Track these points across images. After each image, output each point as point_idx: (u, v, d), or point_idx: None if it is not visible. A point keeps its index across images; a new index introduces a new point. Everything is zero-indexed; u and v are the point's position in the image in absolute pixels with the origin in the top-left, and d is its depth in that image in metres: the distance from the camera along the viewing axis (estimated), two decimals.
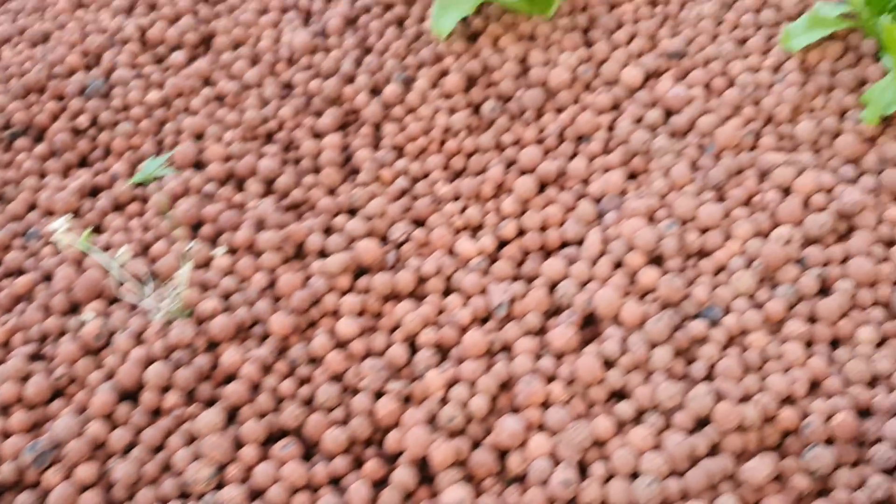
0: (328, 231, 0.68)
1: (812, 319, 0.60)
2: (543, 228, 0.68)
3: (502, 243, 0.68)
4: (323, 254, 0.66)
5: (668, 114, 0.74)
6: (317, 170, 0.73)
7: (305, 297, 0.62)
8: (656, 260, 0.64)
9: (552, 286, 0.63)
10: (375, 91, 0.78)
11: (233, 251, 0.66)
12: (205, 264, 0.65)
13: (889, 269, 0.61)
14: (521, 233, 0.68)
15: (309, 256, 0.66)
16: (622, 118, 0.73)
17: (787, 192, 0.66)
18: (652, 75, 0.78)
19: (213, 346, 0.61)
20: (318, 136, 0.75)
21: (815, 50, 0.76)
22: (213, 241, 0.67)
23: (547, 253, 0.67)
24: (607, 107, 0.75)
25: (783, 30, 0.76)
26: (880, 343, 0.59)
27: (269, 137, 0.76)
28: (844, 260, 0.62)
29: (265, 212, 0.67)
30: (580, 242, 0.66)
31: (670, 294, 0.60)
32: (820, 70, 0.75)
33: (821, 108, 0.73)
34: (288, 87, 0.80)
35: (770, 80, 0.75)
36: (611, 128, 0.74)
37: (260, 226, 0.67)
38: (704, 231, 0.64)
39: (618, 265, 0.64)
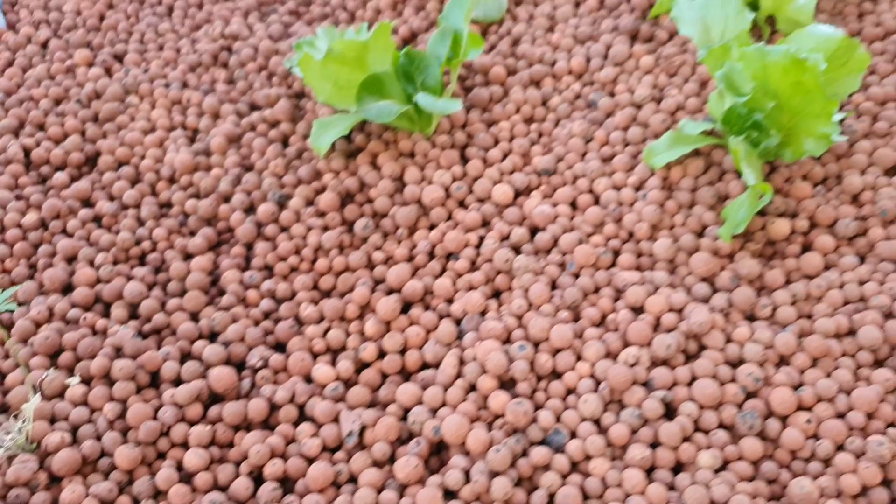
0: (187, 357, 0.68)
1: (654, 444, 0.60)
2: (404, 350, 0.68)
3: (362, 366, 0.68)
4: (178, 381, 0.66)
5: (534, 231, 0.76)
6: (183, 292, 0.73)
7: (154, 427, 0.62)
8: (508, 383, 0.64)
9: (405, 412, 0.64)
10: (251, 210, 0.79)
11: (87, 381, 0.65)
12: (59, 394, 0.65)
13: (735, 389, 0.62)
14: (381, 355, 0.68)
15: (164, 384, 0.66)
16: (489, 236, 0.75)
17: (639, 311, 0.68)
18: (522, 192, 0.80)
19: (56, 480, 0.60)
20: (189, 256, 0.76)
21: (678, 167, 0.78)
22: (72, 369, 0.67)
23: (406, 375, 0.67)
24: (477, 223, 0.77)
25: (646, 147, 0.79)
26: (720, 468, 0.59)
27: (141, 259, 0.77)
28: (691, 381, 0.63)
29: (123, 339, 0.67)
30: (438, 364, 0.66)
31: (517, 419, 0.60)
32: (682, 186, 0.77)
33: (680, 224, 0.75)
34: (166, 206, 0.81)
35: (633, 198, 0.77)
36: (478, 245, 0.75)
37: (117, 353, 0.67)
38: (556, 352, 0.65)
39: (471, 389, 0.64)
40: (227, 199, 0.80)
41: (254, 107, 0.91)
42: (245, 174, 0.82)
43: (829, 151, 0.80)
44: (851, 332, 0.66)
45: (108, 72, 0.95)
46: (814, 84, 0.70)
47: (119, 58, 0.98)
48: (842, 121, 0.83)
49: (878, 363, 0.65)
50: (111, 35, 1.01)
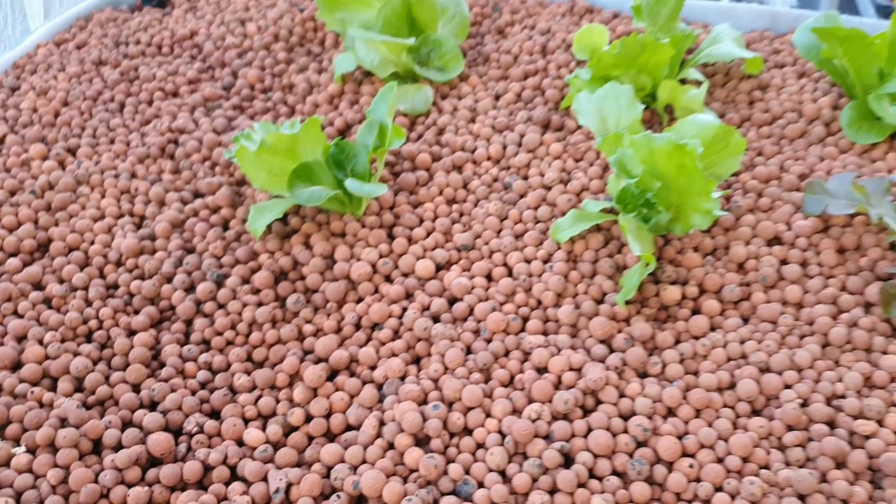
0: (128, 425, 0.73)
1: (553, 490, 0.66)
2: (329, 414, 0.74)
3: (290, 430, 0.74)
4: (119, 447, 0.71)
5: (452, 301, 0.83)
6: (126, 366, 0.78)
7: (94, 490, 0.66)
8: (423, 440, 0.70)
9: (328, 470, 0.69)
10: (191, 289, 0.86)
11: (32, 450, 0.70)
12: (5, 463, 0.69)
13: (626, 439, 0.69)
14: (308, 419, 0.74)
15: (105, 451, 0.71)
16: (411, 307, 0.82)
17: (543, 371, 0.75)
18: (443, 266, 0.88)
19: None
20: (133, 332, 0.82)
21: (581, 241, 0.87)
22: (18, 439, 0.72)
23: (331, 437, 0.73)
24: (401, 296, 0.84)
25: (553, 224, 0.87)
26: None
27: (87, 336, 0.82)
28: (587, 433, 0.70)
29: (68, 410, 0.72)
30: (360, 426, 0.72)
31: (429, 473, 0.66)
32: (584, 258, 0.85)
33: (583, 292, 0.83)
34: (113, 287, 0.87)
35: (541, 269, 0.85)
36: (401, 316, 0.82)
37: (62, 424, 0.72)
38: (467, 411, 0.72)
39: (389, 447, 0.70)
40: (169, 279, 0.87)
41: (197, 194, 0.98)
42: (187, 256, 0.89)
43: (717, 225, 0.89)
44: (732, 386, 0.73)
45: (62, 164, 1.02)
46: (693, 166, 0.80)
47: (72, 151, 1.06)
48: (729, 198, 0.93)
49: (755, 412, 0.72)
50: (65, 130, 1.09)
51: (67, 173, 0.99)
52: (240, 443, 0.72)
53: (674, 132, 0.87)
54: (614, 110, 0.92)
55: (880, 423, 0.69)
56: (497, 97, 1.11)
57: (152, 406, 0.75)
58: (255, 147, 0.85)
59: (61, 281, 0.87)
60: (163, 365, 0.79)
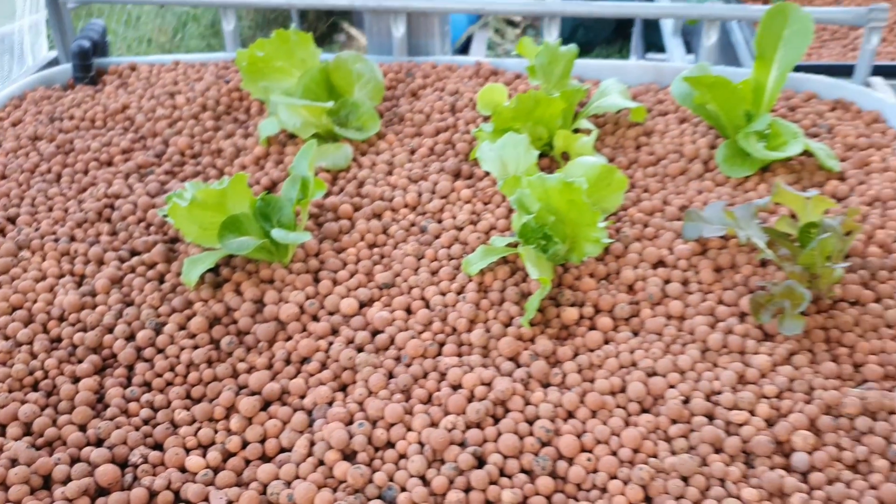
0: (76, 461, 0.79)
1: (468, 489, 0.74)
2: (264, 440, 0.81)
3: (229, 455, 0.80)
4: (69, 481, 0.76)
5: (375, 333, 0.91)
6: (72, 409, 0.84)
7: None
8: (350, 455, 0.78)
9: (265, 487, 0.76)
10: (131, 337, 0.92)
11: None
12: None
13: (532, 440, 0.77)
14: (245, 445, 0.81)
15: (55, 485, 0.76)
16: (337, 341, 0.90)
17: (457, 388, 0.83)
18: (366, 304, 0.96)
19: None
20: (77, 379, 0.88)
21: (490, 273, 0.96)
22: None
23: (266, 459, 0.80)
24: (327, 332, 0.92)
25: (465, 259, 0.97)
26: (521, 503, 0.73)
27: (34, 386, 0.88)
28: (497, 437, 0.78)
29: (18, 451, 0.77)
30: (292, 448, 0.79)
31: (356, 482, 0.74)
32: (493, 288, 0.95)
33: (493, 318, 0.92)
34: (57, 340, 0.93)
35: (455, 300, 0.94)
36: (328, 349, 0.90)
37: (12, 464, 0.77)
38: (390, 427, 0.79)
39: (320, 464, 0.77)
40: (110, 330, 0.93)
41: (134, 252, 1.05)
42: (126, 308, 0.95)
43: (609, 253, 1.00)
44: (623, 389, 0.83)
45: (2, 232, 1.08)
46: (581, 201, 0.90)
47: (12, 220, 1.12)
48: (618, 229, 1.04)
49: (644, 411, 0.81)
50: (4, 201, 1.15)
51: (8, 240, 1.05)
52: (182, 469, 0.78)
53: (564, 173, 0.98)
54: (513, 157, 1.03)
55: (752, 412, 0.79)
56: (412, 152, 1.21)
57: (98, 443, 0.81)
58: (186, 203, 0.93)
59: (6, 338, 0.93)
60: (107, 406, 0.85)
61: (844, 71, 1.41)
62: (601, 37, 4.94)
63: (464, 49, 5.08)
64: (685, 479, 0.74)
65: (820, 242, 0.87)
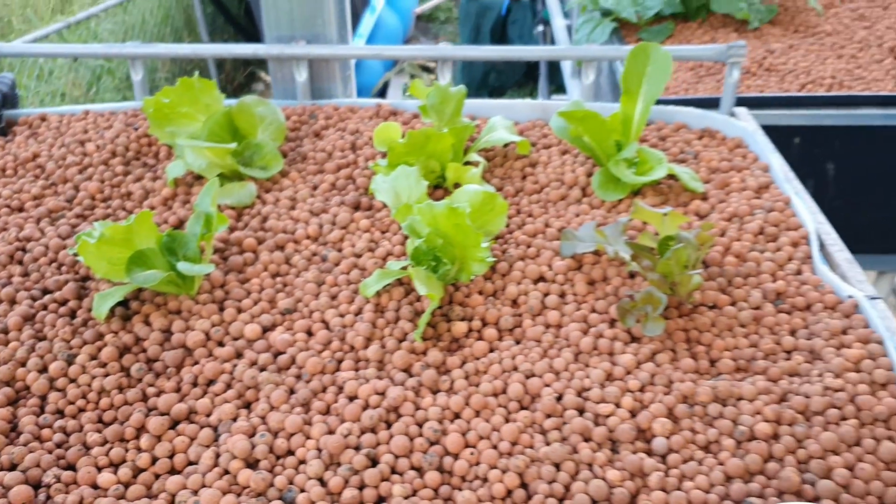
0: None
1: (362, 487, 0.81)
2: (172, 455, 0.86)
3: (139, 471, 0.85)
4: None
5: (277, 355, 0.98)
6: None
7: None
8: (253, 464, 0.84)
9: (173, 497, 0.81)
10: (44, 370, 0.97)
11: None
12: None
13: (421, 440, 0.85)
14: (154, 461, 0.86)
15: None
16: (241, 363, 0.96)
17: (354, 398, 0.90)
18: (269, 328, 1.02)
19: None
20: None
21: (385, 294, 1.04)
22: None
23: (175, 473, 0.85)
24: (232, 356, 0.98)
25: (362, 283, 1.05)
26: (410, 496, 0.80)
27: None
28: (389, 439, 0.85)
29: None
30: (199, 461, 0.85)
31: (258, 486, 0.80)
32: (389, 308, 1.03)
33: (389, 335, 1.00)
34: None
35: (353, 321, 1.01)
36: (232, 371, 0.96)
37: None
38: (290, 436, 0.86)
39: (225, 473, 0.83)
40: (23, 364, 0.97)
41: (46, 291, 1.09)
42: (38, 343, 1.00)
43: (496, 272, 1.09)
44: (504, 391, 0.91)
45: None
46: (465, 224, 0.99)
47: None
48: (504, 251, 1.13)
49: (523, 408, 0.90)
50: None
51: None
52: (94, 486, 0.83)
53: (450, 200, 1.07)
54: (405, 187, 1.12)
55: (617, 405, 0.89)
56: (314, 187, 1.29)
57: (12, 468, 0.85)
58: (95, 240, 0.98)
59: None
60: (20, 434, 0.89)
61: (716, 103, 1.55)
62: (512, 80, 5.15)
63: (381, 94, 5.21)
64: (557, 466, 0.83)
65: (675, 252, 0.98)
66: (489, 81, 5.19)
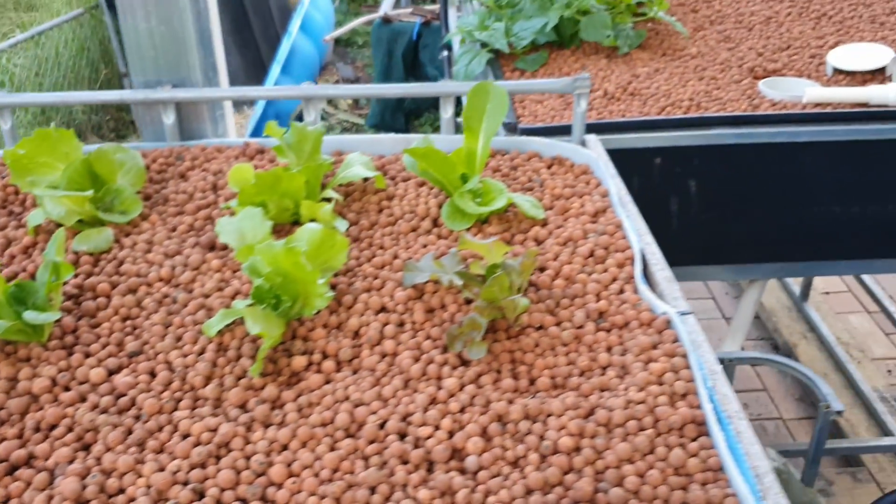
0: None
1: None
2: (7, 501, 0.89)
3: None
4: None
5: (119, 397, 1.02)
6: None
7: None
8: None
9: None
10: None
11: None
12: None
13: (248, 472, 0.89)
14: None
15: None
16: (83, 407, 1.00)
17: (187, 436, 0.94)
18: (115, 371, 1.06)
19: None
20: None
21: (229, 333, 1.09)
22: None
23: None
24: (76, 400, 1.01)
25: (205, 323, 1.09)
26: None
27: None
28: (216, 474, 0.90)
29: None
30: None
31: None
32: (231, 346, 1.07)
33: (229, 373, 1.04)
34: None
35: (195, 360, 1.06)
36: (73, 415, 0.99)
37: None
38: (122, 475, 0.90)
39: None
40: None
41: None
42: None
43: (342, 305, 1.14)
44: (332, 421, 0.97)
45: None
46: (301, 263, 1.05)
47: None
48: (350, 283, 1.19)
49: (349, 436, 0.95)
50: None
51: None
52: None
53: (289, 239, 1.12)
54: (250, 228, 1.17)
55: (437, 427, 0.95)
56: (173, 229, 1.33)
57: None
58: None
59: None
60: None
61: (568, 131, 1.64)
62: (428, 103, 5.24)
63: (299, 119, 5.25)
64: (372, 489, 0.88)
65: (496, 279, 1.05)
66: (405, 105, 5.28)
